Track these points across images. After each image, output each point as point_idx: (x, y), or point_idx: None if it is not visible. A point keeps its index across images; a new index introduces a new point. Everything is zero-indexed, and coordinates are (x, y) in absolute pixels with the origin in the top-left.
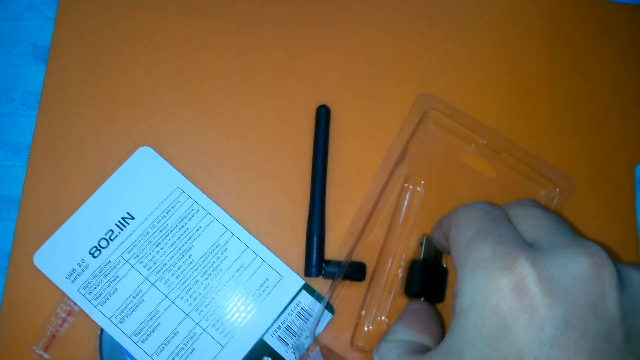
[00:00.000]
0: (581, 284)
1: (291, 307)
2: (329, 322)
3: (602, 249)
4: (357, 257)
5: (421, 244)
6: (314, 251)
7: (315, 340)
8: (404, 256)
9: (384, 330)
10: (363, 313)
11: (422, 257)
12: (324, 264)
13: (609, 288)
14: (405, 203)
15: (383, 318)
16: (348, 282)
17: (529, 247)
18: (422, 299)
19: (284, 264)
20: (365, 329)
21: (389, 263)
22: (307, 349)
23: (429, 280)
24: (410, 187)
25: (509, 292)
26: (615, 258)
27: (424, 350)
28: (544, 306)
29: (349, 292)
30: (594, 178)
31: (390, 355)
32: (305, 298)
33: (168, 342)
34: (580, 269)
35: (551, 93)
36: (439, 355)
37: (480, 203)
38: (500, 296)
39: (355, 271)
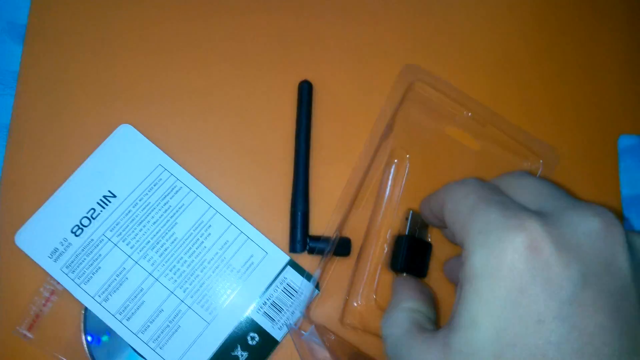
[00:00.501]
0: (594, 242)
1: (276, 283)
2: (316, 299)
3: (608, 210)
4: (344, 232)
5: (407, 218)
6: (298, 227)
7: (308, 318)
8: (390, 231)
9: (373, 307)
10: (351, 290)
11: (407, 232)
12: (308, 240)
13: (620, 247)
14: (391, 177)
15: (372, 294)
16: (335, 259)
17: (536, 212)
18: (404, 274)
19: (269, 241)
20: (355, 305)
21: (375, 238)
22: (300, 328)
23: (413, 255)
24: (396, 161)
25: (524, 249)
26: None
27: (429, 321)
28: (561, 264)
29: (335, 269)
30: (578, 149)
31: (399, 329)
32: (291, 274)
33: (153, 320)
34: (591, 228)
35: (536, 65)
36: (447, 329)
37: (471, 178)
38: (515, 254)
39: (340, 246)
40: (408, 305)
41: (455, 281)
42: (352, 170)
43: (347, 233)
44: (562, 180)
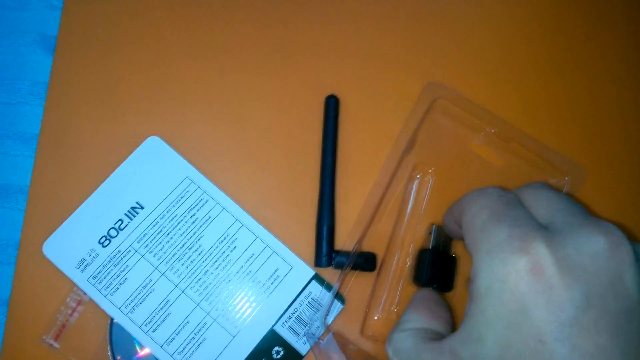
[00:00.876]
0: (598, 263)
1: (301, 297)
2: (339, 312)
3: (617, 227)
4: (366, 246)
5: (430, 232)
6: (324, 241)
7: (327, 328)
8: (412, 245)
9: (394, 320)
10: (372, 303)
11: (431, 245)
12: (334, 254)
13: (627, 266)
14: (414, 192)
15: (392, 307)
16: (358, 271)
17: (544, 229)
18: (433, 287)
19: (294, 254)
20: (375, 317)
21: (398, 252)
22: (319, 337)
23: (439, 268)
24: (419, 176)
25: (526, 273)
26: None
27: (438, 337)
28: (562, 286)
29: (358, 282)
30: (602, 162)
31: (404, 343)
32: (316, 288)
33: (179, 332)
34: (596, 248)
35: (557, 79)
36: (457, 340)
37: (492, 188)
38: (518, 278)
39: (365, 261)
40: (412, 325)
41: (456, 237)
42: (373, 184)
43: (369, 246)
44: (586, 195)
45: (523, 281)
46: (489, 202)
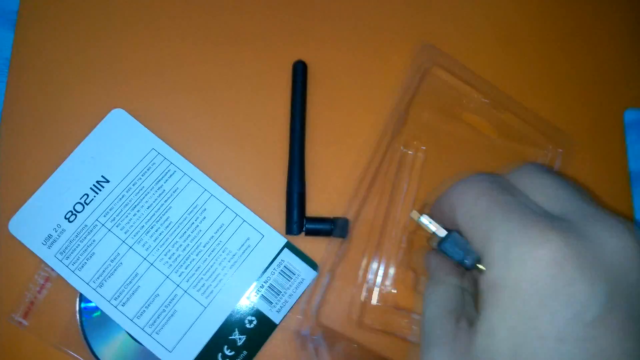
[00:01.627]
0: (623, 262)
1: (274, 265)
2: (325, 295)
3: (634, 224)
4: (358, 225)
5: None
6: (295, 208)
7: (318, 322)
8: (407, 224)
9: (392, 305)
10: (367, 287)
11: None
12: (305, 221)
13: None
14: (406, 168)
15: (391, 289)
16: (350, 254)
17: (558, 218)
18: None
19: (265, 223)
20: (374, 302)
21: (393, 232)
22: (310, 334)
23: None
24: (410, 152)
25: (546, 264)
26: (609, 201)
27: (471, 300)
28: (585, 282)
29: (348, 264)
30: (585, 125)
31: (439, 308)
32: (288, 256)
33: (149, 305)
34: (620, 246)
35: (538, 40)
36: (474, 332)
37: (479, 175)
38: (537, 269)
39: (338, 227)
40: (451, 280)
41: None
42: (367, 161)
43: (362, 225)
44: (570, 159)
45: (543, 272)
46: (482, 190)
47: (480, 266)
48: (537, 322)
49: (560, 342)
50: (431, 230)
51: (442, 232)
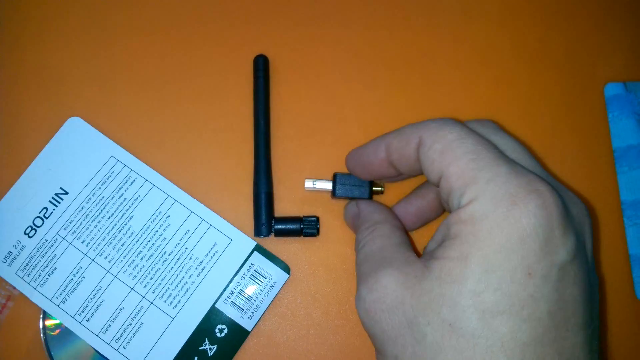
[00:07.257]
0: (580, 225)
1: (243, 270)
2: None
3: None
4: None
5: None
6: (262, 209)
7: None
8: None
9: None
10: None
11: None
12: (274, 222)
13: (589, 233)
14: None
15: None
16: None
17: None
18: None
19: (233, 226)
20: None
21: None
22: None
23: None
24: None
25: (534, 207)
26: (593, 179)
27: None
28: (562, 231)
29: (304, 247)
30: (566, 100)
31: (386, 240)
32: (259, 260)
33: (114, 319)
34: (579, 211)
35: (520, 18)
36: (432, 257)
37: (449, 119)
38: (525, 210)
39: (307, 226)
40: (393, 221)
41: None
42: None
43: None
44: (552, 132)
45: (530, 214)
46: (465, 133)
47: None
48: (512, 255)
49: (528, 276)
50: (324, 188)
51: (329, 185)
